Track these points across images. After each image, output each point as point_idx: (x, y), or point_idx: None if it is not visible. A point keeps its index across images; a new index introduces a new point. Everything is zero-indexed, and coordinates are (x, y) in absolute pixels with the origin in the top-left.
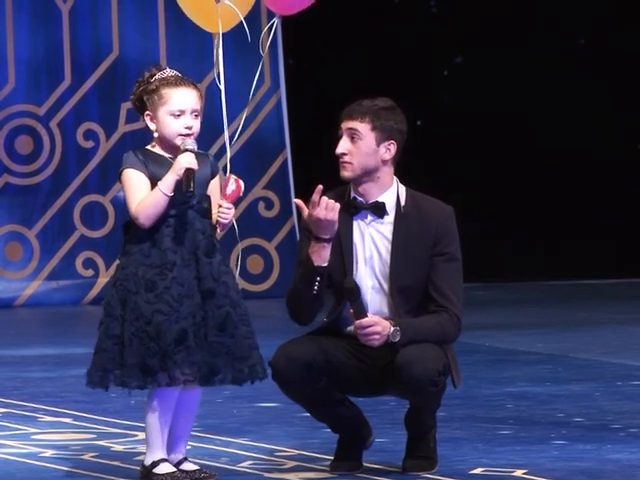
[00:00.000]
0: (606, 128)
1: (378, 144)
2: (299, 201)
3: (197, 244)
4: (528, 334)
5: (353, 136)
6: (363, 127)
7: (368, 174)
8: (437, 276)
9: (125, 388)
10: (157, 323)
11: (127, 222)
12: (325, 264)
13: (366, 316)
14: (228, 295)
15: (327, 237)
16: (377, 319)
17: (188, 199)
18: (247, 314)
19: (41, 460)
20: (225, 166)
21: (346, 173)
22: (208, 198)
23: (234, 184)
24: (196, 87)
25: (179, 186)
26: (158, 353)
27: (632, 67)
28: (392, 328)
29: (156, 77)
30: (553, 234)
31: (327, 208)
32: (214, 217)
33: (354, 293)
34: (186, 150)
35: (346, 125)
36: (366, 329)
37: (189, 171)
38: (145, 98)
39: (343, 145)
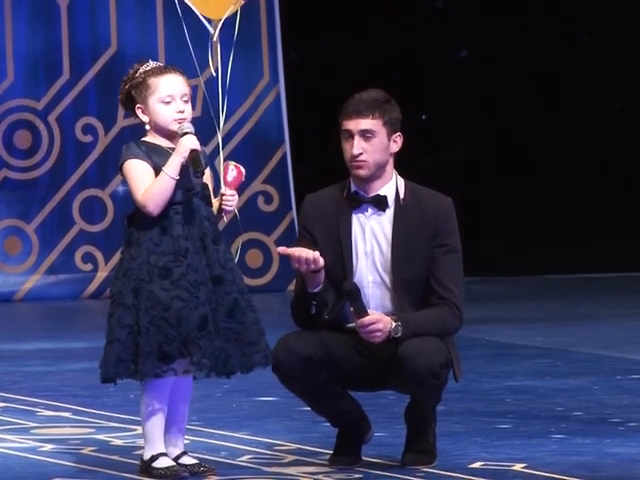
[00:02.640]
0: (608, 127)
1: (389, 138)
2: (283, 249)
3: (204, 231)
4: (528, 328)
5: (366, 134)
6: (375, 124)
7: (380, 169)
8: (438, 268)
9: (140, 379)
10: (177, 309)
11: (131, 213)
12: (318, 289)
13: (367, 314)
14: (235, 282)
15: (318, 269)
16: (378, 316)
17: (194, 186)
18: (252, 301)
19: (40, 454)
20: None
21: (362, 172)
22: (207, 186)
23: (235, 170)
24: (182, 73)
25: (184, 172)
26: (177, 340)
27: (634, 65)
28: (394, 324)
29: (140, 70)
30: (553, 230)
31: (307, 262)
32: (215, 205)
33: (354, 295)
34: (185, 133)
35: (355, 124)
36: (368, 327)
37: (194, 152)
38: (133, 92)
39: (358, 145)
